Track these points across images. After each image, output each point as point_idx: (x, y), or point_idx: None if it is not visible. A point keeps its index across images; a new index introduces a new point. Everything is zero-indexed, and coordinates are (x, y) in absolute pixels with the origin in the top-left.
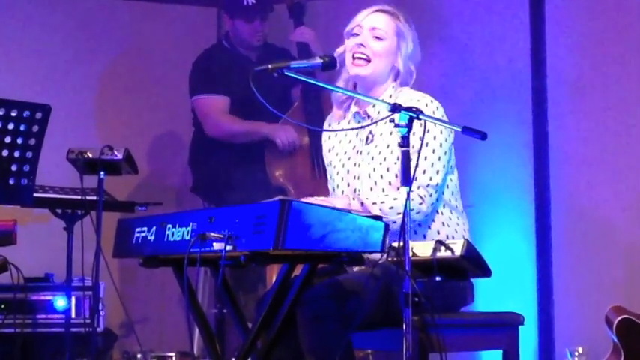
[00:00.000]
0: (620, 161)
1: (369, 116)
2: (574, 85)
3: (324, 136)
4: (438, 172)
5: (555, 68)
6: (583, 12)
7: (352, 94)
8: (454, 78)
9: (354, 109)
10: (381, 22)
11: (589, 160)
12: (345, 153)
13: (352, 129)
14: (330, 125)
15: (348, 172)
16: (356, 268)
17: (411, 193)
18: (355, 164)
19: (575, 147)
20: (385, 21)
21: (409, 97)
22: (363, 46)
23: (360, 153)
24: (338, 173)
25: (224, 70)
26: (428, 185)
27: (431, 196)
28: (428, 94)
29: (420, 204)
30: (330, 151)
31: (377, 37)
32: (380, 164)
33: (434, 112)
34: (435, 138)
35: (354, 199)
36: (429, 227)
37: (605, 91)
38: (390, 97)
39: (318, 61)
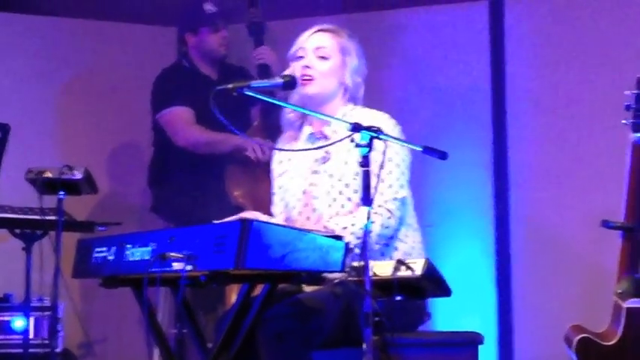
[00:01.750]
0: (580, 180)
1: (325, 136)
2: (534, 104)
3: (275, 162)
4: (402, 187)
5: (515, 87)
6: (543, 30)
7: (313, 114)
8: (414, 97)
9: (307, 129)
10: (325, 41)
11: (548, 179)
12: (299, 173)
13: (315, 148)
14: (283, 147)
15: (304, 192)
16: (311, 288)
17: (379, 208)
18: (311, 184)
19: (535, 166)
20: (328, 40)
21: (366, 115)
22: (309, 67)
23: (317, 172)
24: (293, 195)
25: (185, 88)
26: (394, 198)
27: (398, 209)
28: (387, 112)
29: (389, 218)
30: (280, 175)
31: (322, 57)
32: (339, 180)
33: (391, 130)
34: (397, 153)
35: (308, 218)
36: (387, 245)
37: (566, 111)
38: (344, 115)
39: (278, 80)
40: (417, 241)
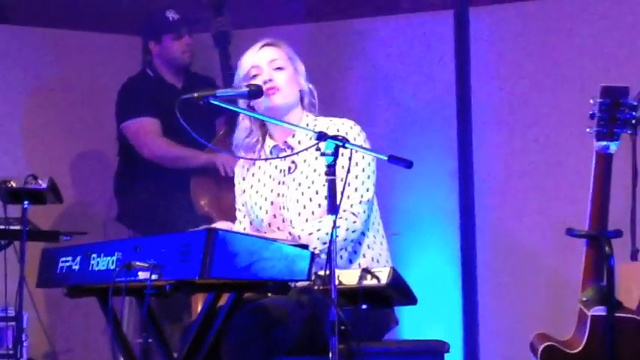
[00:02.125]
0: (544, 188)
1: (290, 147)
2: (499, 113)
3: (238, 177)
4: (368, 190)
5: (480, 96)
6: (508, 41)
7: (278, 123)
8: (379, 106)
9: (270, 143)
10: (274, 53)
11: (513, 188)
12: (265, 185)
13: (283, 157)
14: (247, 170)
15: (272, 204)
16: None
17: (344, 213)
18: (279, 194)
19: (500, 175)
20: (276, 51)
21: (330, 124)
22: (270, 80)
23: (283, 183)
24: (261, 208)
25: (151, 98)
26: (360, 202)
27: (364, 212)
28: (351, 120)
29: (354, 222)
30: (244, 192)
31: (278, 68)
32: (308, 188)
33: (356, 137)
34: (363, 157)
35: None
36: (355, 252)
37: (530, 121)
38: (308, 126)
39: (244, 89)
40: (384, 249)
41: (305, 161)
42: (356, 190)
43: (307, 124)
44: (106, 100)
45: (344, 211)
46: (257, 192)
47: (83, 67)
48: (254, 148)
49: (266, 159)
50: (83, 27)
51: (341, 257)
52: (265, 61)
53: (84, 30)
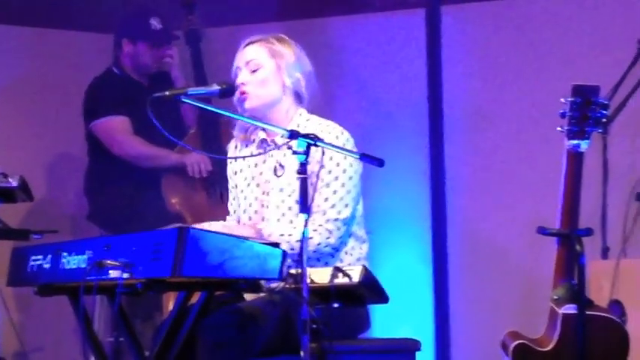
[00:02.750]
0: (516, 187)
1: (276, 145)
2: (470, 111)
3: (230, 171)
4: (347, 206)
5: (452, 94)
6: (479, 40)
7: (252, 123)
8: (351, 104)
9: (261, 135)
10: (253, 53)
11: (485, 187)
12: (254, 178)
13: (252, 155)
14: (236, 147)
15: (256, 198)
16: (251, 296)
17: (319, 227)
18: (264, 192)
19: (471, 174)
20: (256, 50)
21: (318, 127)
22: (244, 83)
23: (269, 182)
24: (245, 198)
25: (119, 96)
26: (336, 219)
27: (339, 229)
28: (323, 117)
29: (328, 238)
30: (236, 173)
31: (253, 70)
32: (289, 196)
33: (344, 145)
34: (344, 171)
35: (260, 230)
36: (332, 256)
37: (500, 119)
38: (298, 126)
39: (215, 87)
40: (364, 252)
41: (291, 166)
42: (333, 206)
43: (299, 124)
44: (76, 98)
45: (319, 225)
46: (245, 179)
47: (54, 66)
48: (249, 131)
49: (236, 158)
50: (55, 25)
51: (318, 260)
52: (243, 63)
53: (56, 28)
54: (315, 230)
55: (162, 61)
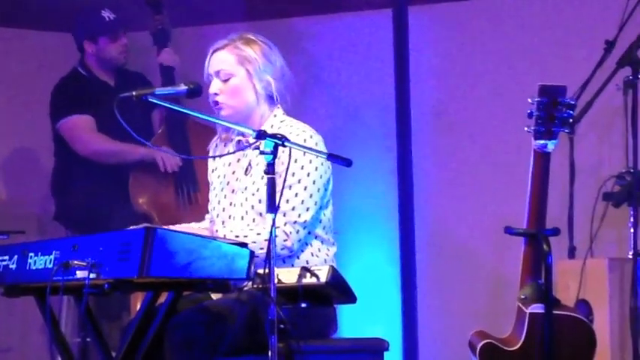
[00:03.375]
0: (483, 188)
1: (249, 144)
2: (438, 111)
3: (209, 169)
4: (308, 209)
5: (419, 94)
6: (446, 40)
7: (220, 122)
8: (319, 104)
9: (238, 137)
10: (221, 62)
11: (452, 187)
12: (225, 176)
13: (219, 156)
14: (216, 145)
15: (225, 196)
16: (221, 295)
17: (276, 229)
18: (233, 190)
19: (439, 174)
20: (224, 58)
21: (290, 128)
22: (217, 94)
23: (239, 181)
24: (216, 195)
25: (84, 96)
26: (295, 222)
27: (297, 232)
28: (291, 117)
29: (285, 240)
30: (213, 171)
31: (224, 80)
32: (252, 195)
33: (315, 145)
34: (308, 174)
35: (224, 227)
36: (298, 257)
37: (467, 120)
38: (272, 127)
39: (182, 87)
40: (331, 255)
41: (257, 165)
42: (293, 209)
43: (272, 125)
44: (40, 98)
45: (277, 227)
46: (218, 177)
47: (16, 65)
48: (230, 131)
49: (206, 157)
50: (17, 24)
51: (284, 262)
52: (213, 72)
53: (17, 27)
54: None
55: (125, 52)
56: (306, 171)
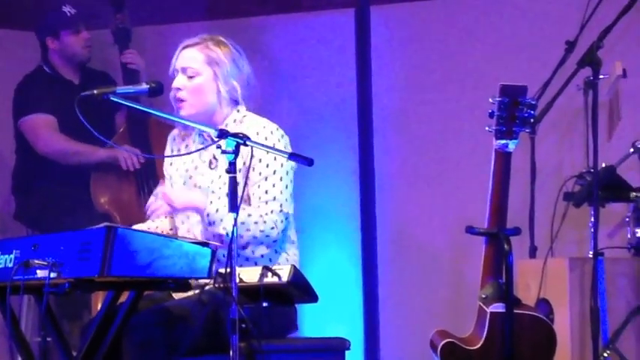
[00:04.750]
0: (444, 186)
1: (212, 139)
2: (400, 110)
3: (167, 149)
4: (287, 200)
5: (381, 94)
6: (409, 40)
7: (180, 121)
8: (280, 103)
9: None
10: (190, 59)
11: (414, 186)
12: (187, 170)
13: (186, 154)
14: (174, 139)
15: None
16: (182, 295)
17: (265, 216)
18: (195, 185)
19: (401, 173)
20: (193, 56)
21: (254, 124)
22: (180, 89)
23: (203, 175)
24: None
25: (47, 94)
26: (280, 211)
27: (282, 222)
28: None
29: (272, 228)
30: (171, 164)
31: (190, 77)
32: (219, 188)
33: (278, 140)
34: (282, 165)
35: (211, 202)
36: (262, 256)
37: (430, 119)
38: (235, 121)
39: (144, 86)
40: (292, 254)
41: (221, 164)
42: (274, 199)
43: (235, 120)
44: (3, 96)
45: (266, 214)
46: (177, 170)
47: None
48: (189, 128)
49: (170, 156)
50: None
51: (247, 259)
52: (180, 67)
53: None
54: (261, 216)
55: (88, 46)
56: (280, 161)
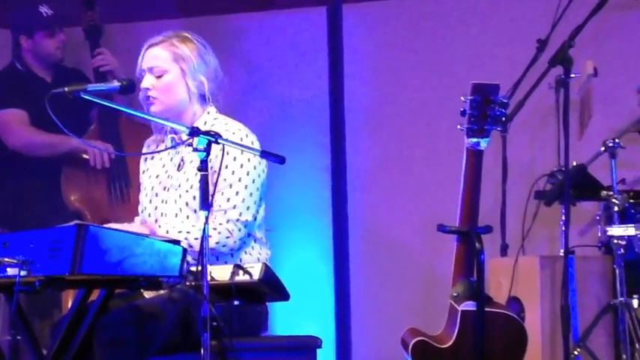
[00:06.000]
0: (416, 185)
1: (182, 141)
2: (372, 109)
3: (142, 158)
4: (248, 208)
5: (353, 92)
6: (381, 38)
7: (151, 119)
8: (253, 101)
9: (171, 135)
10: (155, 58)
11: (386, 185)
12: (157, 176)
13: (150, 153)
14: (149, 146)
15: (157, 195)
16: (153, 293)
17: (219, 226)
18: (165, 188)
19: (373, 171)
20: (158, 55)
21: (224, 127)
22: (149, 89)
23: (171, 177)
24: (147, 195)
25: (19, 91)
26: (237, 220)
27: (239, 230)
28: (226, 116)
29: (227, 237)
30: (144, 172)
31: (158, 76)
32: (186, 191)
33: (250, 145)
34: (248, 173)
35: (159, 226)
36: (232, 255)
37: (402, 117)
38: (205, 123)
39: (115, 84)
40: (264, 253)
41: (191, 162)
42: (235, 207)
43: (206, 122)
44: None
45: (220, 224)
46: (149, 177)
47: None
48: (163, 131)
49: (140, 154)
50: None
51: (217, 259)
52: (147, 67)
53: None
54: (214, 229)
55: (62, 48)
56: (246, 169)
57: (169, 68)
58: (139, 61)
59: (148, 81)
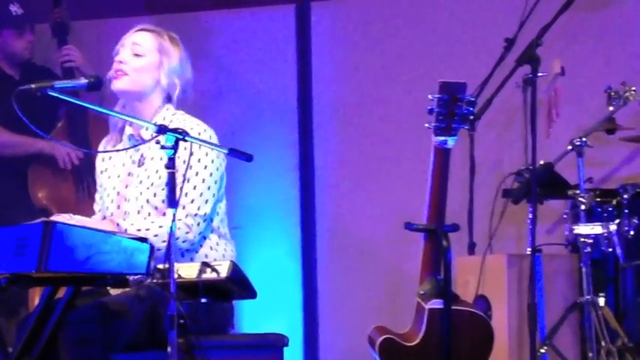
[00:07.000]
0: (384, 183)
1: (142, 139)
2: (340, 107)
3: (99, 158)
4: (207, 202)
5: (321, 90)
6: (349, 36)
7: (119, 116)
8: (221, 98)
9: (128, 130)
10: (142, 39)
11: (353, 183)
12: (118, 176)
13: (116, 150)
14: (105, 148)
15: (118, 193)
16: (120, 291)
17: (178, 222)
18: (126, 186)
19: (341, 169)
20: (147, 38)
21: (183, 123)
22: (122, 62)
23: (131, 175)
24: (108, 195)
25: None
26: (196, 214)
27: (198, 225)
28: (194, 114)
29: (187, 232)
30: (102, 172)
31: (136, 54)
32: (147, 188)
33: (209, 140)
34: (205, 167)
35: (117, 224)
36: (197, 251)
37: (369, 116)
38: (164, 119)
39: (83, 81)
40: (230, 249)
41: (152, 159)
42: (192, 201)
43: (164, 117)
44: None
45: (179, 219)
46: (109, 177)
47: None
48: (118, 130)
49: (107, 151)
50: None
51: (182, 256)
52: (130, 43)
53: None
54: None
55: (30, 48)
56: (203, 164)
57: (150, 54)
58: (123, 38)
59: (123, 55)
